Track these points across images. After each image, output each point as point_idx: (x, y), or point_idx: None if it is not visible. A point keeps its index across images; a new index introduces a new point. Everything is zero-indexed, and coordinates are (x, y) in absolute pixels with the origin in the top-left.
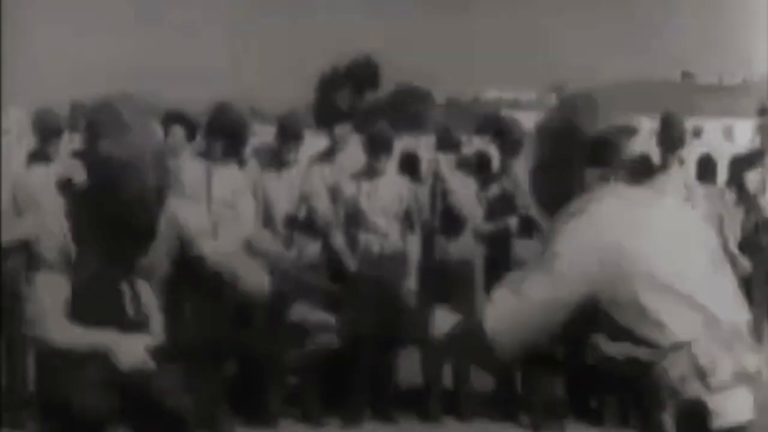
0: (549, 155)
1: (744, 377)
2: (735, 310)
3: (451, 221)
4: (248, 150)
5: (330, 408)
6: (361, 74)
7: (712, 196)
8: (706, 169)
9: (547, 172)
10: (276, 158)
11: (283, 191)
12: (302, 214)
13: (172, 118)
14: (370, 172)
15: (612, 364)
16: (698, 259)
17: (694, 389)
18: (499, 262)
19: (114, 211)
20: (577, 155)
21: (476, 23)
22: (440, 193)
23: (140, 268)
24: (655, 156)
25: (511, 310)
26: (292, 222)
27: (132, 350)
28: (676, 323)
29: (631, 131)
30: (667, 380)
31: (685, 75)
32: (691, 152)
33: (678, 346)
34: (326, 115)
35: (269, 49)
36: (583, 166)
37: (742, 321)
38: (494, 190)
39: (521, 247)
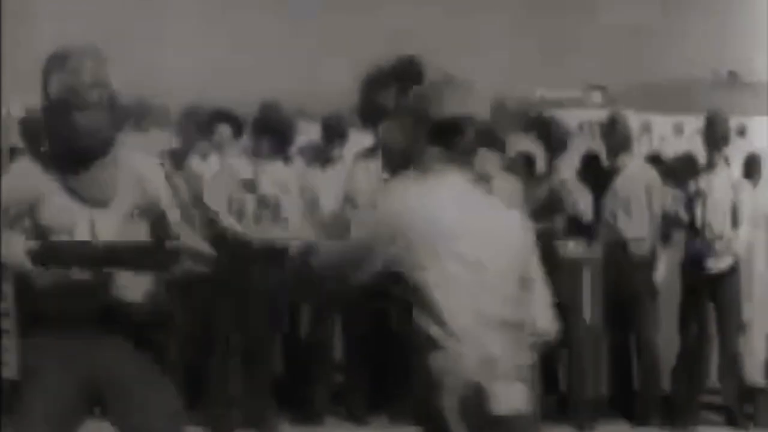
0: (400, 136)
1: (521, 371)
2: (522, 310)
3: None
4: (294, 148)
5: (376, 406)
6: (405, 73)
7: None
8: (752, 167)
9: (396, 149)
10: (321, 156)
11: (329, 189)
12: (347, 211)
13: (219, 117)
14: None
15: (410, 335)
16: (498, 256)
17: (476, 375)
18: (546, 262)
19: None
20: (420, 136)
21: (520, 22)
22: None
23: None
24: (701, 155)
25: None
26: (339, 220)
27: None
28: (457, 312)
29: (471, 121)
30: (452, 363)
31: (731, 74)
32: (738, 151)
33: (461, 333)
34: (370, 113)
35: (315, 48)
36: (423, 146)
37: (530, 321)
38: (540, 190)
39: (568, 248)
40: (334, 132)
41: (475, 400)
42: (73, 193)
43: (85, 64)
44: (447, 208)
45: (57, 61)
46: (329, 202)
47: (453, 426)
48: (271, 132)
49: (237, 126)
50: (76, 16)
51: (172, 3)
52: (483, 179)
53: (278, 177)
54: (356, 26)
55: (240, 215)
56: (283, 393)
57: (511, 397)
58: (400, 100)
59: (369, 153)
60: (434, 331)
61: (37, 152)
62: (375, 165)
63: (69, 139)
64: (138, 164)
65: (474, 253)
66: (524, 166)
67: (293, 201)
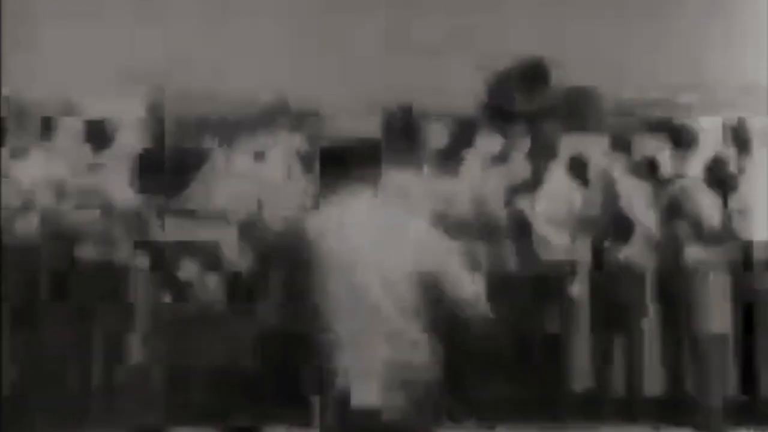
0: None
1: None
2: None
3: (621, 226)
4: (423, 152)
5: (502, 409)
6: (531, 75)
7: None
8: None
9: None
10: (449, 161)
11: (457, 193)
12: (476, 217)
13: None
14: (534, 180)
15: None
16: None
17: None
18: (671, 268)
19: None
20: None
21: (643, 24)
22: (611, 197)
23: None
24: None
25: None
26: (465, 226)
27: None
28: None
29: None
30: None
31: None
32: None
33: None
34: (497, 117)
35: (443, 50)
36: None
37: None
38: (666, 194)
39: (693, 253)
40: (462, 136)
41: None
42: None
43: None
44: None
45: None
46: (457, 207)
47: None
48: (401, 136)
49: None
50: None
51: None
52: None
53: (404, 182)
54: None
55: None
56: None
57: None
58: (526, 103)
59: (496, 160)
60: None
61: None
62: (500, 172)
63: None
64: None
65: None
66: (649, 170)
67: (419, 205)
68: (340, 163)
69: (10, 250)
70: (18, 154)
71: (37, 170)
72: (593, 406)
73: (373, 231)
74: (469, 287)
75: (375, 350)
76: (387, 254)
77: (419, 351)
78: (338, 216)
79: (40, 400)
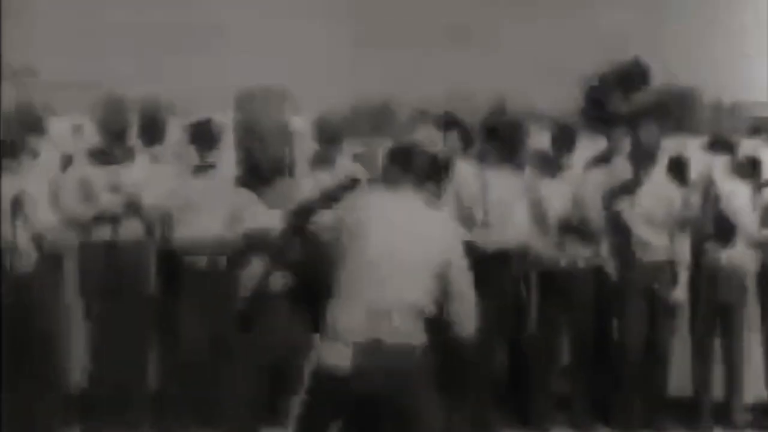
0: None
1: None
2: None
3: (722, 228)
4: (523, 154)
5: (599, 415)
6: (630, 76)
7: None
8: None
9: None
10: (550, 163)
11: (557, 196)
12: (575, 220)
13: (450, 123)
14: (634, 182)
15: None
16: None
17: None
18: None
19: None
20: None
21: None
22: (712, 197)
23: None
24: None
25: None
26: (565, 227)
27: None
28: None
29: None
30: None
31: None
32: None
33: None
34: (596, 119)
35: (542, 51)
36: None
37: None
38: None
39: None
40: (563, 137)
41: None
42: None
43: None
44: None
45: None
46: (557, 209)
47: None
48: (501, 138)
49: (465, 132)
50: None
51: None
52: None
53: (507, 183)
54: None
55: (469, 222)
56: (506, 398)
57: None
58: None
59: (598, 161)
60: None
61: None
62: (603, 174)
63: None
64: None
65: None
66: (750, 170)
67: (522, 207)
68: (404, 166)
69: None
70: (126, 158)
71: (143, 173)
72: (692, 411)
73: (401, 218)
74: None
75: (379, 320)
76: (409, 237)
77: (418, 333)
78: (376, 203)
79: (182, 397)
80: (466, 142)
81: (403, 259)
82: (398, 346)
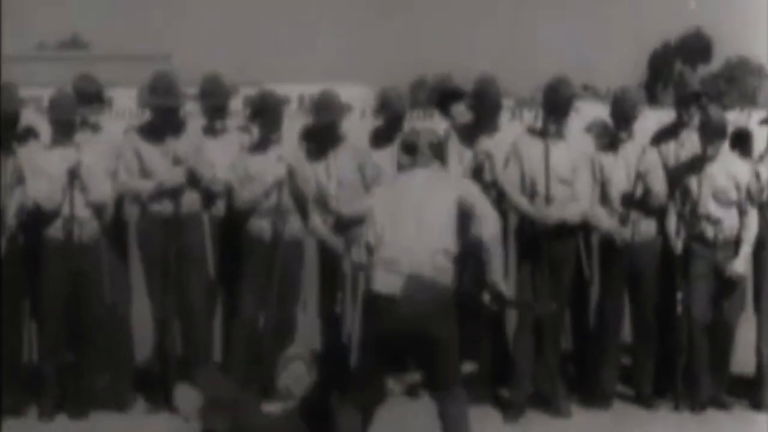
0: None
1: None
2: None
3: None
4: (581, 126)
5: (662, 389)
6: (692, 48)
7: None
8: None
9: None
10: (611, 135)
11: (620, 169)
12: (639, 192)
13: (454, 95)
14: (703, 157)
15: None
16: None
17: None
18: None
19: None
20: None
21: None
22: None
23: None
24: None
25: None
26: (628, 200)
27: None
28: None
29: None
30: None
31: None
32: None
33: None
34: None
35: (601, 24)
36: None
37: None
38: None
39: None
40: (624, 110)
41: None
42: None
43: None
44: None
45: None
46: (620, 182)
47: None
48: (558, 110)
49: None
50: None
51: None
52: None
53: (569, 156)
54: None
55: (533, 194)
56: (573, 374)
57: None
58: (688, 76)
59: (666, 133)
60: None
61: None
62: (668, 147)
63: None
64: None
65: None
66: None
67: (583, 181)
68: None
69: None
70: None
71: (200, 145)
72: (754, 389)
73: (427, 182)
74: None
75: (414, 256)
76: (438, 191)
77: (445, 273)
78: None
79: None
80: (477, 113)
81: (430, 212)
82: (435, 281)
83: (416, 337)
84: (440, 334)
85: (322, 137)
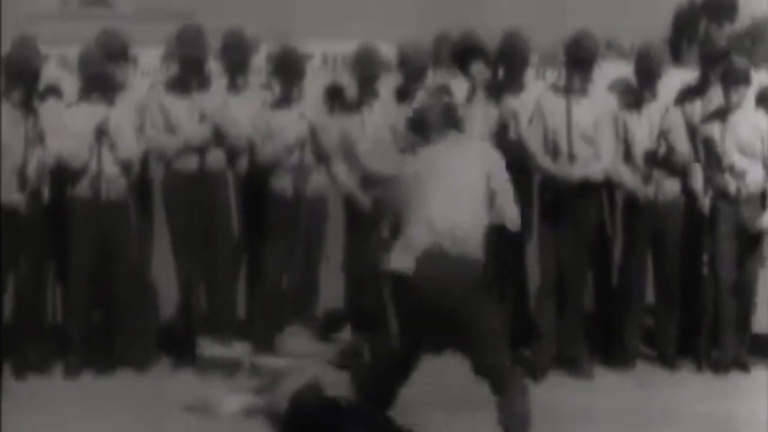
0: None
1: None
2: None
3: None
4: (605, 84)
5: (685, 350)
6: (718, 5)
7: None
8: None
9: None
10: (635, 93)
11: (643, 127)
12: (662, 151)
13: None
14: (726, 109)
15: None
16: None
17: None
18: None
19: None
20: None
21: None
22: None
23: None
24: None
25: None
26: (651, 159)
27: None
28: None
29: None
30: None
31: None
32: None
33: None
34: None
35: None
36: None
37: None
38: None
39: None
40: (648, 68)
41: None
42: None
43: None
44: None
45: None
46: (644, 142)
47: None
48: (581, 67)
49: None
50: None
51: None
52: None
53: (592, 114)
54: None
55: (555, 153)
56: (596, 335)
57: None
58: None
59: (692, 91)
60: None
61: None
62: (693, 106)
63: None
64: None
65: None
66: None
67: (606, 139)
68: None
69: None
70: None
71: (224, 102)
72: None
73: (450, 154)
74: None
75: (442, 233)
76: (464, 161)
77: (476, 247)
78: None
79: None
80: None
81: (456, 183)
82: (458, 255)
83: (439, 317)
84: (466, 314)
85: (358, 92)
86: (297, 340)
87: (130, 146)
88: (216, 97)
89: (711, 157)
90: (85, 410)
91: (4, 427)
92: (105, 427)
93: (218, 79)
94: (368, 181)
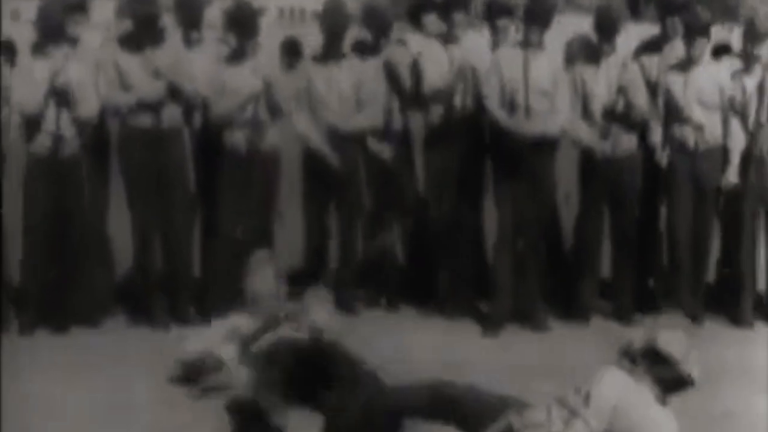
0: None
1: None
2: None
3: None
4: (563, 39)
5: (641, 305)
6: None
7: None
8: None
9: None
10: (594, 48)
11: (602, 82)
12: (620, 106)
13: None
14: (687, 61)
15: None
16: None
17: None
18: None
19: None
20: None
21: None
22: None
23: None
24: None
25: None
26: (609, 114)
27: None
28: None
29: None
30: None
31: None
32: None
33: None
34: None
35: None
36: None
37: None
38: None
39: None
40: (606, 24)
41: None
42: None
43: None
44: None
45: None
46: (601, 96)
47: None
48: (539, 21)
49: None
50: None
51: None
52: None
53: (549, 69)
54: None
55: (512, 108)
56: (552, 289)
57: None
58: None
59: (647, 47)
60: None
61: None
62: (650, 60)
63: None
64: None
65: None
66: None
67: (564, 94)
68: None
69: (160, 136)
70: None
71: (179, 57)
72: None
73: None
74: None
75: None
76: None
77: None
78: None
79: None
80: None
81: None
82: None
83: None
84: None
85: (325, 46)
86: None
87: (89, 103)
88: (170, 52)
89: (671, 110)
90: (42, 368)
91: None
92: (58, 388)
93: (172, 34)
94: (335, 137)
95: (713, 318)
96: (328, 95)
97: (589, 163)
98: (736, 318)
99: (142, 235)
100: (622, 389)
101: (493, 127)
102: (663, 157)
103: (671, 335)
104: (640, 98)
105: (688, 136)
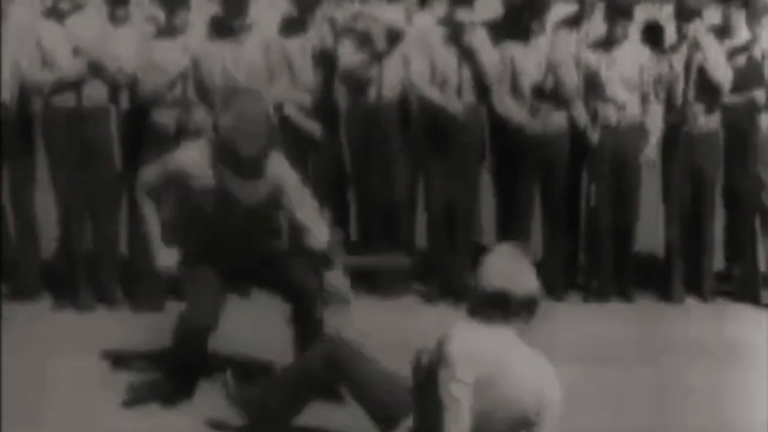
0: None
1: None
2: None
3: (706, 92)
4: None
5: (571, 281)
6: None
7: None
8: None
9: None
10: (523, 25)
11: (531, 60)
12: (549, 83)
13: None
14: (609, 40)
15: None
16: None
17: None
18: (745, 136)
19: None
20: None
21: None
22: (695, 62)
23: None
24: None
25: None
26: (538, 92)
27: None
28: None
29: None
30: None
31: None
32: None
33: None
34: None
35: None
36: None
37: None
38: (741, 59)
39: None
40: (535, 1)
41: None
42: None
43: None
44: None
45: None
46: (530, 73)
47: None
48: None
49: None
50: None
51: None
52: None
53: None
54: None
55: (443, 85)
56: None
57: None
58: None
59: (569, 23)
60: None
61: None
62: (575, 37)
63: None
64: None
65: None
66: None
67: (493, 71)
68: None
69: (83, 115)
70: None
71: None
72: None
73: None
74: None
75: None
76: None
77: None
78: None
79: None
80: None
81: None
82: None
83: None
84: None
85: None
86: None
87: (6, 82)
88: (92, 29)
89: (591, 87)
90: None
91: None
92: None
93: (98, 11)
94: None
95: (645, 294)
96: (236, 70)
97: (519, 140)
98: (666, 294)
99: (68, 216)
100: (473, 340)
101: (424, 104)
102: (591, 135)
103: (491, 258)
104: (569, 76)
105: (611, 114)
